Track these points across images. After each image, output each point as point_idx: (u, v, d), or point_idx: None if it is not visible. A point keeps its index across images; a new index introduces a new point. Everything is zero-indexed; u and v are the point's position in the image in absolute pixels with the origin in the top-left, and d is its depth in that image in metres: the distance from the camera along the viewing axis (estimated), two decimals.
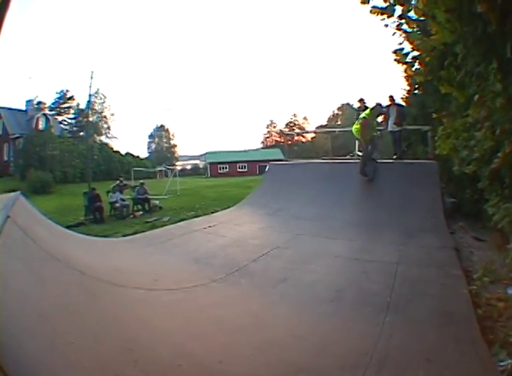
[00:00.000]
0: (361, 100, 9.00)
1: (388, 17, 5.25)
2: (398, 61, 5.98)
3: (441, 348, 2.24)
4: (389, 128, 8.19)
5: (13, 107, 35.54)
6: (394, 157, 7.97)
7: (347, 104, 51.32)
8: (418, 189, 6.03)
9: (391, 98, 8.31)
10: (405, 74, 8.18)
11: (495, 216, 3.56)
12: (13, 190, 15.85)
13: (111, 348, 1.86)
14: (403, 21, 5.31)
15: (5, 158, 32.67)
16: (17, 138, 31.53)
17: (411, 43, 5.74)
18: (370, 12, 5.32)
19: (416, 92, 9.94)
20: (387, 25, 5.63)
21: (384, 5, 5.27)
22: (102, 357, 1.75)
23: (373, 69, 78.14)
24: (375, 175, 6.77)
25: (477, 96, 3.42)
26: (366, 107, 8.66)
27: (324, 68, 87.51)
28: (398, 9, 5.33)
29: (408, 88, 10.55)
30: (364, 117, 7.17)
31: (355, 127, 7.30)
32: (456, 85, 4.56)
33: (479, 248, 4.28)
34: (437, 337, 2.35)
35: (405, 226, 5.23)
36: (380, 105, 7.75)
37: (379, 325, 2.49)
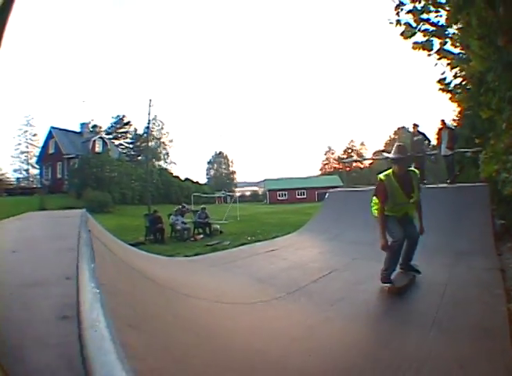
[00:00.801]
0: (415, 126, 9.02)
1: (428, 52, 5.68)
2: (443, 90, 6.31)
3: (474, 358, 2.55)
4: (442, 152, 8.26)
5: (66, 129, 38.98)
6: (448, 181, 7.98)
7: (403, 128, 50.20)
8: (469, 212, 6.18)
9: (443, 122, 8.40)
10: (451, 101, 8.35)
11: None
12: (71, 207, 17.51)
13: (185, 346, 2.24)
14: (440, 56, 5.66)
15: (59, 176, 35.61)
16: (72, 158, 33.66)
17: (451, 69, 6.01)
18: (412, 48, 5.79)
19: (467, 112, 9.91)
20: (429, 54, 6.07)
21: (424, 38, 5.72)
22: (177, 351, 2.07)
23: (428, 91, 75.86)
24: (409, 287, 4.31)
25: (504, 124, 3.67)
26: (420, 133, 8.83)
27: (381, 91, 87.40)
28: (436, 42, 5.76)
29: (459, 109, 10.53)
30: (380, 180, 4.09)
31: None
32: (495, 110, 4.78)
33: None
34: (471, 348, 2.66)
35: (455, 249, 5.43)
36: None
37: (422, 337, 2.86)
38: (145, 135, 42.33)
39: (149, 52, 78.48)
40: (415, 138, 8.85)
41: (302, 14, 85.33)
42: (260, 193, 51.64)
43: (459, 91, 5.87)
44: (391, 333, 3.04)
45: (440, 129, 8.58)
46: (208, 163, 57.97)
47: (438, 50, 5.51)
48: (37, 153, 42.51)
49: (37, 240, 2.38)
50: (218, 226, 12.10)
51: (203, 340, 2.48)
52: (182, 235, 10.68)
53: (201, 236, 10.94)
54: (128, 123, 51.01)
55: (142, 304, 2.42)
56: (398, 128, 55.32)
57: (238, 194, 33.62)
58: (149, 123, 32.94)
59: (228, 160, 57.42)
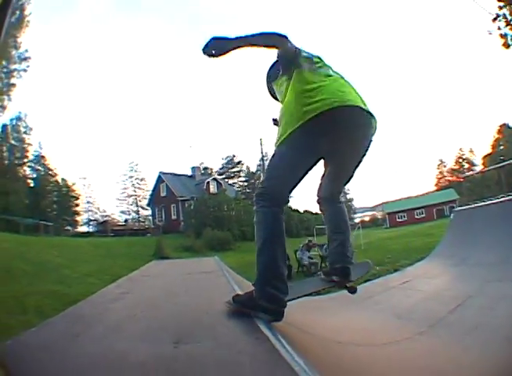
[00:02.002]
0: None
1: None
2: None
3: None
4: None
5: (177, 173, 42.25)
6: None
7: (505, 125, 42.22)
8: None
9: None
10: None
11: None
12: (189, 246, 19.47)
13: None
14: None
15: (174, 217, 38.39)
16: (186, 200, 35.75)
17: None
18: None
19: None
20: None
21: None
22: None
23: None
24: None
25: None
26: None
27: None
28: None
29: None
30: None
31: None
32: None
33: None
34: None
35: None
36: None
37: None
38: (258, 172, 43.74)
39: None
40: None
41: None
42: (379, 216, 49.38)
43: None
44: None
45: None
46: None
47: None
48: (148, 196, 46.35)
49: None
50: None
51: None
52: (308, 270, 10.94)
53: None
54: (239, 162, 54.09)
55: None
56: (500, 126, 46.25)
57: (357, 220, 32.44)
58: (263, 160, 33.60)
59: (345, 188, 56.97)
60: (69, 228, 42.27)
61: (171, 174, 39.40)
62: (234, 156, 53.52)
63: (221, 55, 1.97)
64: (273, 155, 2.22)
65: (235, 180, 53.40)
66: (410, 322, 4.33)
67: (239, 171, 53.75)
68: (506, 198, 8.61)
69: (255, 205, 2.27)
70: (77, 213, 47.24)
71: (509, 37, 5.26)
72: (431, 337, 3.79)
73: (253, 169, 51.05)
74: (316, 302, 6.46)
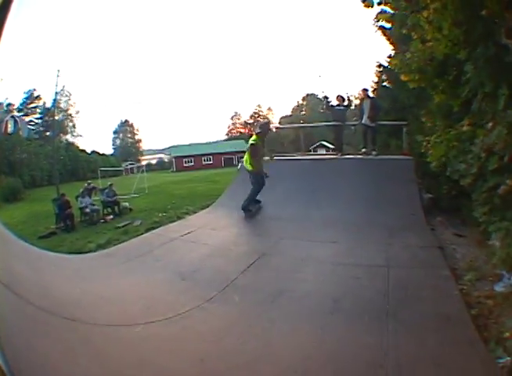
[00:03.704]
0: (339, 97, 8.71)
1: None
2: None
3: (444, 352, 2.28)
4: (363, 121, 8.08)
5: None
6: (363, 150, 7.99)
7: (312, 95, 52.18)
8: (395, 185, 6.03)
9: (365, 90, 8.26)
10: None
11: (476, 212, 3.68)
12: None
13: None
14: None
15: None
16: None
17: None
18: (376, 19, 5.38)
19: (384, 84, 9.91)
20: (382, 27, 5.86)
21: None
22: None
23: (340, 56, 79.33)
24: (257, 212, 6.53)
25: (490, 124, 3.45)
26: (346, 106, 8.71)
27: (287, 55, 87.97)
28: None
29: (376, 79, 10.69)
30: (252, 144, 6.51)
31: (245, 158, 6.63)
32: (450, 94, 4.68)
33: (461, 245, 4.39)
34: (437, 341, 2.39)
35: (385, 225, 5.18)
36: (266, 124, 7.84)
37: (381, 332, 2.51)
38: (52, 108, 37.38)
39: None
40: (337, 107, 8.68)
41: None
42: (166, 160, 50.37)
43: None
44: (347, 331, 2.62)
45: (361, 99, 8.39)
46: (114, 132, 53.95)
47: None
48: None
49: None
50: (127, 204, 11.07)
51: None
52: (91, 218, 9.61)
53: (111, 216, 9.84)
54: (37, 97, 44.14)
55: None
56: (307, 95, 57.62)
57: (144, 163, 31.65)
58: (56, 95, 28.93)
59: (133, 128, 54.52)
60: None
61: None
62: (34, 89, 42.58)
63: None
64: None
65: (31, 117, 43.17)
66: (197, 285, 3.63)
67: (35, 107, 43.58)
68: (295, 156, 9.23)
69: None
70: None
71: None
72: (224, 304, 2.96)
73: (48, 104, 42.16)
74: (88, 261, 4.90)
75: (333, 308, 2.96)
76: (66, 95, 46.07)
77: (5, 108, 37.28)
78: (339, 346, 2.43)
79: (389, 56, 7.36)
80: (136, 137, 56.25)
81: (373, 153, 7.77)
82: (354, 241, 4.69)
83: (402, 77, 5.00)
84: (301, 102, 57.73)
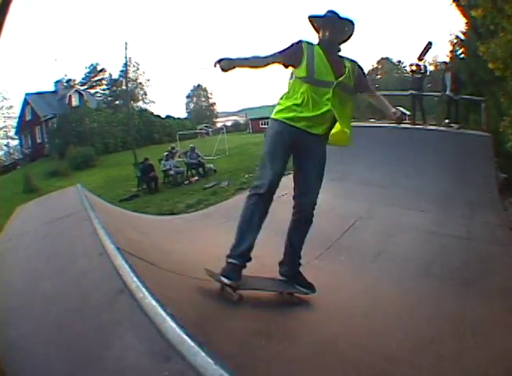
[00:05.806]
0: (417, 66, 8.72)
1: None
2: None
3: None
4: (447, 93, 8.14)
5: (41, 91, 36.29)
6: (446, 121, 8.02)
7: (387, 59, 48.47)
8: (474, 161, 6.19)
9: (446, 64, 8.52)
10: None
11: None
12: (55, 171, 16.29)
13: None
14: None
15: (39, 140, 33.80)
16: (50, 119, 32.03)
17: None
18: None
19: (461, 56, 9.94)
20: None
21: None
22: None
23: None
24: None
25: None
26: (423, 73, 8.73)
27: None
28: None
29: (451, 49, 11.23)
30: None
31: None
32: None
33: None
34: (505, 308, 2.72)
35: (465, 199, 5.46)
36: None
37: (462, 299, 2.86)
38: (120, 78, 39.64)
39: None
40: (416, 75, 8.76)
41: None
42: (241, 122, 50.62)
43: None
44: (438, 295, 2.90)
45: (443, 71, 8.47)
46: (187, 97, 55.48)
47: None
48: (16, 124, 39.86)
49: None
50: (212, 165, 11.53)
51: None
52: (175, 180, 10.28)
53: (196, 178, 10.54)
54: (102, 70, 47.37)
55: None
56: (382, 58, 53.59)
57: (220, 125, 32.31)
58: (125, 65, 30.58)
59: (207, 92, 55.30)
60: None
61: (36, 94, 32.14)
62: (97, 64, 45.70)
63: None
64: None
65: (97, 89, 46.79)
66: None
67: (101, 80, 46.91)
68: (373, 124, 8.89)
69: None
70: None
71: None
72: (329, 263, 3.23)
73: (115, 76, 45.00)
74: (187, 221, 5.34)
75: (427, 271, 3.33)
76: (134, 66, 48.09)
77: (66, 84, 40.52)
78: (439, 308, 2.72)
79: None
80: (210, 101, 57.53)
81: (455, 126, 7.76)
82: (439, 212, 5.02)
83: (490, 65, 5.34)
84: (375, 65, 53.41)
